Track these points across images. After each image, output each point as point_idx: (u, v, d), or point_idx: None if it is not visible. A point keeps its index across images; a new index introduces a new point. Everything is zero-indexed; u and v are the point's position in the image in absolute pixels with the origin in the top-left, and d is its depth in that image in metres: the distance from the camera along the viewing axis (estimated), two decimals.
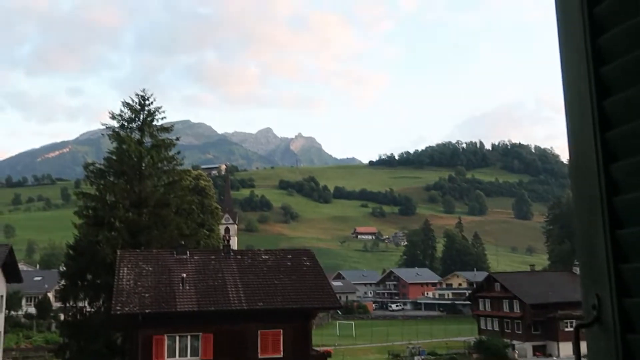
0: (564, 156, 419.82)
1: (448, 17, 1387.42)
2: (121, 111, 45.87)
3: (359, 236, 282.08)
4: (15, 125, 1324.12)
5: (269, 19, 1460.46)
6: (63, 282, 43.63)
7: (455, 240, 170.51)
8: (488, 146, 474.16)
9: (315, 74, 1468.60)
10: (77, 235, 43.74)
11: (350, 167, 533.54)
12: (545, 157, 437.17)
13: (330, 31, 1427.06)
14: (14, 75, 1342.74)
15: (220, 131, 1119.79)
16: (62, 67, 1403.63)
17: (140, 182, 44.30)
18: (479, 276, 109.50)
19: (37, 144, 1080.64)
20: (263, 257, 35.64)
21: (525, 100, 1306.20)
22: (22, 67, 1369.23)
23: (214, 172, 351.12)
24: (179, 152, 47.63)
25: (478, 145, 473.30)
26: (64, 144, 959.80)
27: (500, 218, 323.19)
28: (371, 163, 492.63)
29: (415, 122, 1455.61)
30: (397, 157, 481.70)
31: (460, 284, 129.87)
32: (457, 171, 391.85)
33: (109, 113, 45.78)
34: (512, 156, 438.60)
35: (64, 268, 44.61)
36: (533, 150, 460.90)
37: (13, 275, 50.83)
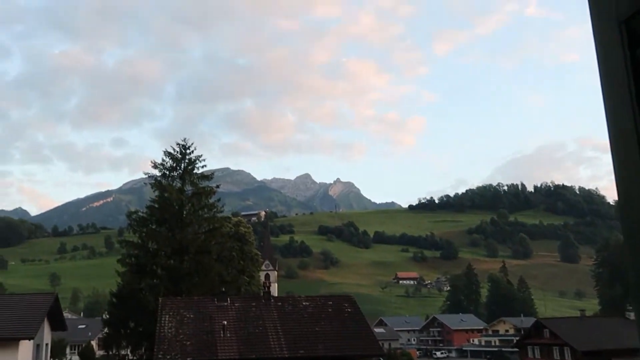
0: (610, 197, 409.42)
1: (484, 61, 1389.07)
2: (163, 160, 46.98)
3: (400, 281, 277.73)
4: (61, 176, 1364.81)
5: (306, 67, 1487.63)
6: (106, 330, 44.02)
7: (500, 284, 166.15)
8: (530, 188, 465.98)
9: (352, 120, 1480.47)
10: (120, 283, 44.29)
11: (389, 211, 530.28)
12: (590, 198, 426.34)
13: (366, 77, 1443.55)
14: (61, 128, 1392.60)
15: (259, 178, 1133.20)
16: (107, 119, 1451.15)
17: (182, 230, 44.84)
18: (527, 322, 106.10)
19: (82, 194, 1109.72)
20: (304, 303, 35.33)
21: (566, 141, 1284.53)
22: (68, 120, 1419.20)
23: (254, 219, 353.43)
24: (219, 200, 48.23)
25: (520, 187, 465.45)
26: (108, 193, 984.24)
27: (546, 261, 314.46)
28: (411, 207, 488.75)
29: (455, 165, 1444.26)
30: (437, 201, 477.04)
31: (507, 330, 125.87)
32: (499, 214, 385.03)
33: (151, 162, 46.95)
34: (555, 198, 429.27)
35: (107, 316, 45.09)
36: (577, 192, 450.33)
37: (58, 324, 51.51)
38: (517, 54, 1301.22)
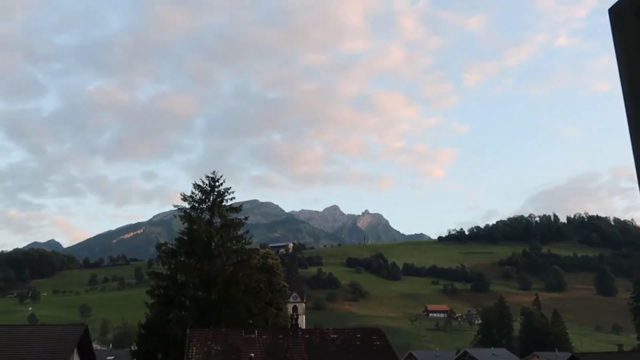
0: None
1: (514, 91, 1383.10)
2: (192, 193, 47.61)
3: (430, 314, 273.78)
4: (93, 209, 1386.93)
5: (334, 100, 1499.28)
6: None
7: (534, 318, 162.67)
8: (563, 219, 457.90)
9: (381, 152, 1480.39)
10: (148, 314, 44.64)
11: (418, 243, 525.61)
12: (626, 229, 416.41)
13: (395, 109, 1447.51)
14: (94, 162, 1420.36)
15: (287, 210, 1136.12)
16: (138, 152, 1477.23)
17: (210, 261, 45.18)
18: (562, 357, 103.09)
19: (113, 226, 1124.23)
20: (332, 336, 35.16)
21: (600, 171, 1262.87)
22: (101, 155, 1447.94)
23: (282, 251, 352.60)
24: (247, 232, 48.60)
25: (552, 218, 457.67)
26: (138, 225, 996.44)
27: (580, 294, 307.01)
28: (440, 239, 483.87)
29: (485, 196, 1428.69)
30: (467, 232, 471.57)
31: None
32: (532, 246, 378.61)
33: (181, 195, 47.59)
34: (589, 229, 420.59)
35: (136, 347, 45.39)
36: (612, 223, 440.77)
37: (87, 355, 51.96)
38: (548, 84, 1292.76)
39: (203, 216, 47.00)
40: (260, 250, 74.12)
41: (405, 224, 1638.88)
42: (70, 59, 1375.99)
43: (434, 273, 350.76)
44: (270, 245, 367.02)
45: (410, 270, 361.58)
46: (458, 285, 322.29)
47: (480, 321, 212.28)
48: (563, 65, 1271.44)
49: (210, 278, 44.11)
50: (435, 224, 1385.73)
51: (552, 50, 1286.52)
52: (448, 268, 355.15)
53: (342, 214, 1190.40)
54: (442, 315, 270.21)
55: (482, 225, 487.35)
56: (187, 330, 35.02)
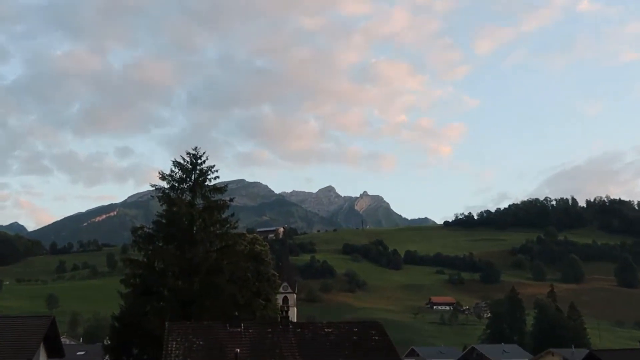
0: None
1: (531, 61, 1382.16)
2: (171, 171, 47.34)
3: (434, 307, 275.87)
4: (61, 189, 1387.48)
5: (330, 70, 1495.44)
6: (107, 357, 44.49)
7: (548, 311, 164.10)
8: (582, 203, 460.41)
9: (382, 127, 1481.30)
10: (123, 306, 44.72)
11: (422, 228, 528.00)
12: None
13: (398, 80, 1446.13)
14: (62, 136, 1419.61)
15: (277, 191, 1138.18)
16: (111, 126, 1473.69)
17: (192, 248, 45.16)
18: (578, 354, 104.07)
19: (83, 208, 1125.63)
20: (325, 330, 35.28)
21: (624, 151, 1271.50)
22: (70, 128, 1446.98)
23: (271, 236, 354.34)
24: (232, 214, 48.50)
25: (570, 202, 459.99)
26: (111, 207, 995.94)
27: (600, 286, 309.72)
28: (447, 224, 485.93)
29: (496, 178, 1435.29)
30: (476, 217, 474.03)
31: None
32: (547, 232, 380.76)
33: (159, 173, 47.33)
34: (611, 214, 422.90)
35: (109, 342, 45.54)
36: (636, 207, 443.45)
37: (55, 350, 52.02)
38: (569, 54, 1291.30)
39: (184, 197, 46.86)
40: (247, 235, 74.06)
41: (408, 207, 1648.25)
42: (35, 20, 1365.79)
43: (439, 262, 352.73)
44: (258, 229, 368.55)
45: (412, 259, 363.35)
46: (465, 276, 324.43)
47: (489, 315, 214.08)
48: (585, 32, 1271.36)
49: (192, 266, 44.15)
50: (440, 208, 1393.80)
51: (574, 16, 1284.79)
52: (454, 256, 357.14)
53: (338, 195, 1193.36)
54: (447, 308, 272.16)
55: (492, 210, 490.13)
56: (166, 324, 35.06)
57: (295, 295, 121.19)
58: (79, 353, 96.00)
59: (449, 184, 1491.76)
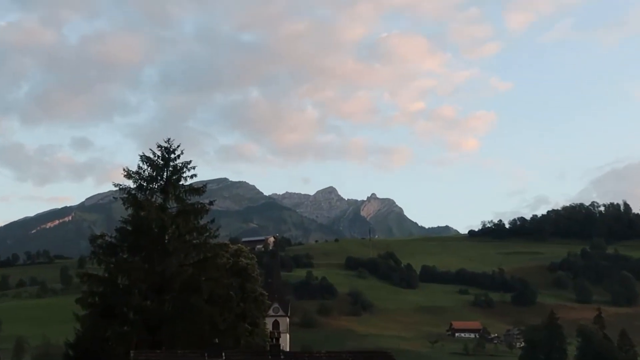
0: None
1: (574, 37, 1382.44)
2: (139, 168, 47.40)
3: (456, 334, 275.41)
4: (5, 188, 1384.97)
5: (332, 46, 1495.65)
6: None
7: (594, 339, 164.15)
8: (636, 209, 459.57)
9: (394, 116, 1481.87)
10: (79, 330, 44.79)
11: (442, 239, 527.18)
12: None
13: (413, 59, 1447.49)
14: (6, 123, 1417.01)
15: (267, 192, 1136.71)
16: (66, 112, 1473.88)
17: (163, 260, 45.22)
18: None
19: (31, 212, 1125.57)
20: None
21: None
22: (16, 114, 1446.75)
23: (259, 247, 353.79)
24: (213, 221, 48.60)
25: (622, 208, 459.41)
26: (65, 210, 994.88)
27: None
28: (472, 233, 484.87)
29: (532, 178, 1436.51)
30: (507, 226, 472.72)
31: None
32: (594, 244, 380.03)
33: (124, 170, 47.40)
34: None
35: None
36: None
37: None
38: (620, 29, 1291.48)
39: (154, 199, 46.95)
40: (231, 246, 74.11)
41: (425, 213, 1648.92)
42: None
43: (463, 279, 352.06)
44: (243, 239, 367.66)
45: (430, 275, 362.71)
46: (494, 296, 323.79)
47: (523, 344, 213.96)
48: None
49: (163, 282, 44.24)
50: (464, 214, 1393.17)
51: None
52: (481, 273, 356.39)
53: (340, 198, 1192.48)
54: (472, 335, 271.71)
55: (527, 217, 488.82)
56: (131, 352, 35.22)
57: (287, 319, 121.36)
58: None
59: (474, 185, 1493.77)
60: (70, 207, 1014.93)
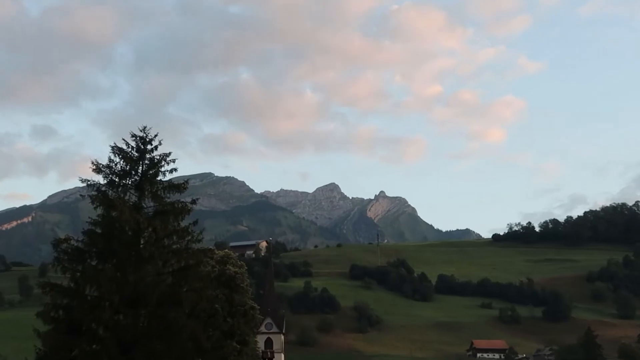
0: None
1: (614, 11, 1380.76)
2: (110, 161, 47.25)
3: (478, 354, 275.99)
4: None
5: (333, 20, 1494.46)
6: None
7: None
8: None
9: (406, 101, 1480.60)
10: (40, 349, 44.75)
11: (462, 244, 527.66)
12: None
13: (429, 35, 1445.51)
14: None
15: (258, 190, 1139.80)
16: (25, 96, 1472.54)
17: (138, 268, 45.16)
18: None
19: None
20: None
21: None
22: None
23: (250, 253, 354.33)
24: (196, 222, 48.52)
25: None
26: (25, 210, 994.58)
27: None
28: (496, 238, 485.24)
29: (566, 173, 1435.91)
30: (537, 229, 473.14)
31: None
32: (638, 251, 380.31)
33: (92, 164, 47.20)
34: None
35: None
36: None
37: None
38: None
39: (127, 197, 46.88)
40: (217, 251, 74.23)
41: (442, 214, 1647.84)
42: None
43: (486, 291, 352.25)
44: (231, 244, 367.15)
45: (448, 287, 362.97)
46: (522, 311, 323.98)
47: None
48: None
49: (138, 294, 44.19)
50: (488, 216, 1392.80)
51: None
52: (507, 284, 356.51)
53: (343, 197, 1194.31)
54: (496, 356, 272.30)
55: (560, 219, 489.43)
56: None
57: (282, 337, 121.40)
58: None
59: (500, 182, 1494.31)
60: (31, 206, 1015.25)
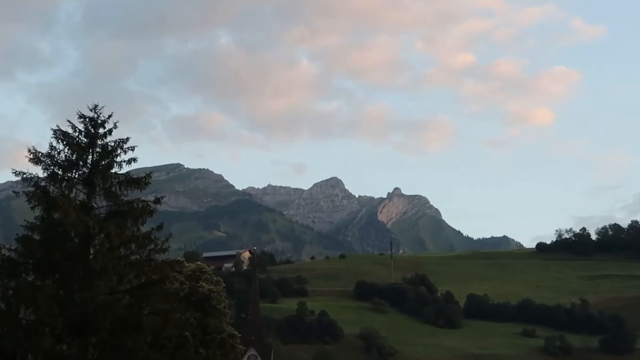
0: None
1: None
2: (52, 148, 47.26)
3: None
4: None
5: None
6: None
7: None
8: None
9: (429, 74, 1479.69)
10: None
11: (498, 255, 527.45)
12: None
13: None
14: None
15: (240, 185, 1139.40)
16: None
17: (86, 285, 45.17)
18: None
19: None
20: None
21: None
22: None
23: (228, 266, 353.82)
24: (160, 227, 48.57)
25: None
26: None
27: None
28: (541, 248, 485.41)
29: (632, 167, 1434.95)
30: (594, 237, 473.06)
31: None
32: None
33: (29, 152, 47.19)
34: None
35: None
36: None
37: None
38: None
39: (73, 195, 46.88)
40: (187, 264, 74.26)
41: (473, 218, 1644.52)
42: None
43: (528, 315, 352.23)
44: (205, 254, 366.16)
45: (480, 309, 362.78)
46: (574, 340, 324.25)
47: None
48: None
49: (86, 317, 44.20)
50: (531, 220, 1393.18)
51: None
52: (555, 306, 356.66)
53: (348, 195, 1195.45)
54: None
55: (624, 223, 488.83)
56: None
57: None
58: None
59: (546, 177, 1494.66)
60: None
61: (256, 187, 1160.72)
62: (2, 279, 45.72)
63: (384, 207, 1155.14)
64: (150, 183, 48.95)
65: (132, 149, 47.81)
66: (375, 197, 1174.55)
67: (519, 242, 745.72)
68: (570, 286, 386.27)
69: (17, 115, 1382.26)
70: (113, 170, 47.50)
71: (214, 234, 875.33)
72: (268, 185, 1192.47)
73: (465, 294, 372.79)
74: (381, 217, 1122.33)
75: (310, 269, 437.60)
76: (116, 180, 47.47)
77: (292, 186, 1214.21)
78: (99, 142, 47.53)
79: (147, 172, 49.36)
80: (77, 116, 47.58)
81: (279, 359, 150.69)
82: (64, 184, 47.00)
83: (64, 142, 47.15)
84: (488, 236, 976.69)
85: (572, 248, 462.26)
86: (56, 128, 47.37)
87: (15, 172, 47.45)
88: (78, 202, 46.38)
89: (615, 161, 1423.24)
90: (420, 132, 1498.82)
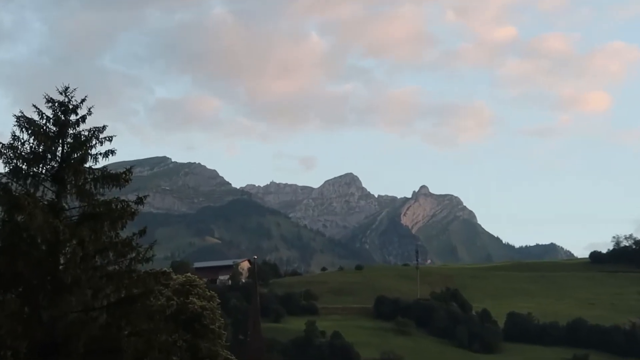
0: None
1: None
2: (15, 138, 47.36)
3: None
4: None
5: None
6: None
7: None
8: None
9: (461, 50, 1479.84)
10: None
11: (545, 266, 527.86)
12: None
13: None
14: None
15: (237, 183, 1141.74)
16: None
17: (56, 301, 45.26)
18: None
19: None
20: None
21: None
22: None
23: (224, 278, 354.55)
24: (143, 232, 48.63)
25: None
26: None
27: None
28: (596, 259, 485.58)
29: None
30: None
31: None
32: None
33: None
34: None
35: None
36: None
37: None
38: None
39: (40, 194, 46.96)
40: (175, 276, 74.39)
41: (515, 222, 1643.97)
42: None
43: (580, 338, 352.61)
44: (197, 264, 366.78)
45: (523, 330, 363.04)
46: None
47: None
48: None
49: (56, 338, 44.32)
50: (583, 226, 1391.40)
51: None
52: (612, 327, 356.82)
53: (365, 194, 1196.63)
54: None
55: None
56: None
57: None
58: None
59: (601, 175, 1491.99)
60: None
61: (256, 185, 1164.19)
62: None
63: (408, 208, 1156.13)
64: (131, 180, 48.98)
65: (110, 139, 47.84)
66: (398, 197, 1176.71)
67: (569, 251, 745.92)
68: (629, 303, 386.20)
69: None
70: (87, 165, 47.51)
71: (206, 241, 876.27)
72: (270, 182, 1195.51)
73: (504, 312, 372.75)
74: (405, 220, 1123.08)
75: (321, 282, 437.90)
76: (91, 176, 47.47)
77: (299, 184, 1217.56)
78: (70, 131, 47.55)
79: (128, 167, 49.38)
80: (45, 100, 47.62)
81: None
82: (29, 181, 47.01)
83: (29, 131, 47.17)
84: (532, 244, 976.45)
85: (631, 259, 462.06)
86: (19, 114, 47.40)
87: None
88: (46, 203, 46.41)
89: None
90: (452, 119, 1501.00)
